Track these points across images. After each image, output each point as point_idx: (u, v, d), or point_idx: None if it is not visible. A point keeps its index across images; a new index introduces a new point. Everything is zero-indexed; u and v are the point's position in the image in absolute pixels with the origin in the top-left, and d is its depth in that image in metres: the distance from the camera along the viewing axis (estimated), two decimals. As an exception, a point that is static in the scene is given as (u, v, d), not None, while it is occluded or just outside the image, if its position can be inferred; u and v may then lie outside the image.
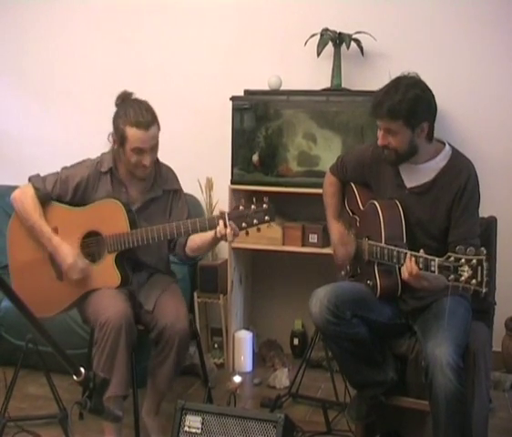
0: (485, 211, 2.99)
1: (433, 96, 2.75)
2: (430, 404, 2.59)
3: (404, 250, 2.64)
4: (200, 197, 4.25)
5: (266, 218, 2.90)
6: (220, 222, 2.89)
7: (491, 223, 3.03)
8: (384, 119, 2.73)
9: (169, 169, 3.29)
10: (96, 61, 4.57)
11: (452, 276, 2.38)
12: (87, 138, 4.03)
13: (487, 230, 2.99)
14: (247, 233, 2.97)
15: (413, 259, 2.54)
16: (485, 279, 2.31)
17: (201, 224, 2.99)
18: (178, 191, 3.27)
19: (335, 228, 3.09)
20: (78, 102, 4.60)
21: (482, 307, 2.90)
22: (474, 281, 2.33)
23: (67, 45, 4.62)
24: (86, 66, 4.59)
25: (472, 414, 2.60)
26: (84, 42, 4.59)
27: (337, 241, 3.06)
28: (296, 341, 4.33)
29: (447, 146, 2.83)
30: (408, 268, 2.56)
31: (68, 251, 3.05)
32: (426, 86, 2.75)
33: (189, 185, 3.89)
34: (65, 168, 3.18)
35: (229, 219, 2.89)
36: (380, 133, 2.78)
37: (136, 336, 3.00)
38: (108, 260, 3.06)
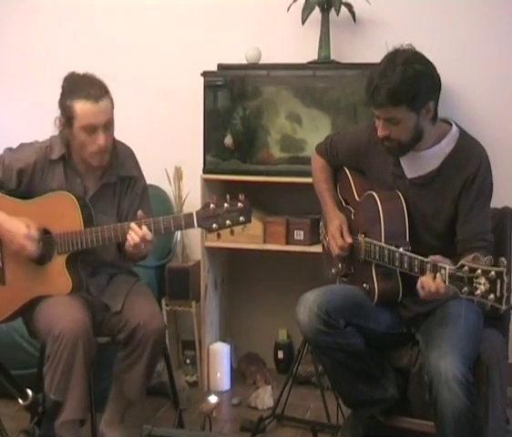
0: (498, 201, 3.00)
1: (434, 68, 2.72)
2: (435, 425, 2.62)
3: (408, 254, 2.60)
4: (168, 188, 4.23)
5: (241, 218, 2.87)
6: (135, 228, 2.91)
7: (505, 214, 3.05)
8: (383, 107, 2.67)
9: (128, 152, 3.26)
10: (50, 39, 4.54)
11: (466, 288, 2.33)
12: (36, 122, 3.98)
13: (501, 223, 3.01)
14: (218, 235, 2.95)
15: (438, 275, 2.43)
16: (505, 295, 2.26)
17: (165, 223, 2.95)
18: (134, 179, 3.22)
19: (337, 219, 3.02)
20: (28, 83, 4.57)
21: (496, 312, 2.89)
22: (492, 296, 2.27)
23: (21, 24, 4.58)
24: (39, 44, 4.56)
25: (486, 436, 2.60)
26: (38, 19, 4.55)
27: (335, 231, 2.99)
28: (281, 355, 4.34)
29: (454, 126, 2.80)
30: (432, 285, 2.46)
31: (19, 223, 3.01)
32: (426, 59, 2.71)
33: (155, 175, 3.91)
34: (9, 150, 3.17)
35: (196, 220, 2.87)
36: (379, 123, 2.72)
37: (95, 350, 2.98)
38: (59, 263, 3.04)
